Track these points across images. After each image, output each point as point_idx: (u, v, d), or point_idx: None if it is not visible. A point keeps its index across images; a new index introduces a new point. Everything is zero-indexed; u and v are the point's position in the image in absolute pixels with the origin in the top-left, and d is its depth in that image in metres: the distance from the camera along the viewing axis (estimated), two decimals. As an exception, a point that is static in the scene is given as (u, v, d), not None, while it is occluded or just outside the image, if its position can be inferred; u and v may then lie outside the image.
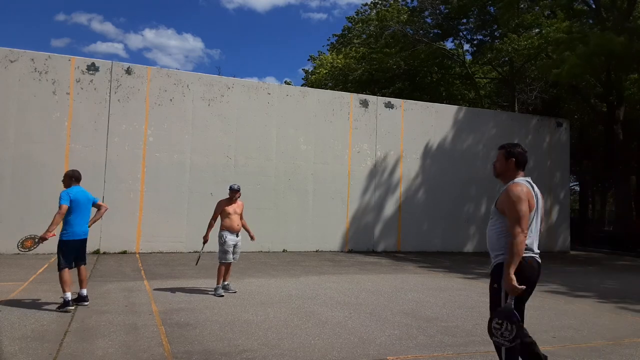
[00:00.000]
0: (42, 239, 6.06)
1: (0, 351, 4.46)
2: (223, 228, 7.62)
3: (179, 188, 13.63)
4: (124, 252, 12.83)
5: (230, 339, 5.14)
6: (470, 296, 8.17)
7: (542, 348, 5.24)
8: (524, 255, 3.41)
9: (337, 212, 15.39)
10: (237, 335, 5.26)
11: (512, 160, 3.62)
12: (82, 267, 6.43)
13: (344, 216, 15.50)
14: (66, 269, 6.17)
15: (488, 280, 3.70)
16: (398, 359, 4.68)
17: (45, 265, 10.07)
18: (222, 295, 7.41)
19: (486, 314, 6.84)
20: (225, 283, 7.73)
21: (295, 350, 4.84)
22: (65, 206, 6.09)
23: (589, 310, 7.50)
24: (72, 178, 6.36)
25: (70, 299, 6.09)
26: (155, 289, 7.81)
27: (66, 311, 5.99)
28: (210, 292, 7.65)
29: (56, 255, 6.27)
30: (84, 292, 6.38)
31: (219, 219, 7.71)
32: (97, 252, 12.57)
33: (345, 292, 8.12)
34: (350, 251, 15.35)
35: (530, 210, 3.48)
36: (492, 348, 5.17)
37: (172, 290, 7.79)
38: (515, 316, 3.28)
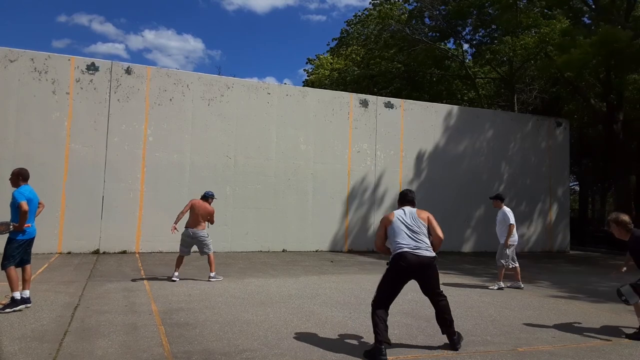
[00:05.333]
0: (18, 230, 6.00)
1: (0, 351, 4.45)
2: None
3: (178, 188, 13.62)
4: (124, 252, 12.82)
5: (230, 339, 5.14)
6: (469, 296, 8.17)
7: (542, 348, 5.26)
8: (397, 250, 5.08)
9: (337, 212, 15.39)
10: (237, 335, 5.27)
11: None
12: (28, 266, 6.32)
13: (344, 216, 15.50)
14: (13, 267, 6.07)
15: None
16: (398, 359, 4.69)
17: (45, 265, 10.08)
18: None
19: (486, 314, 6.86)
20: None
21: (295, 350, 4.84)
22: (25, 202, 5.99)
23: (589, 310, 7.51)
24: (19, 176, 6.25)
25: (19, 297, 6.03)
26: (155, 289, 7.81)
27: (18, 310, 5.93)
28: (208, 290, 7.66)
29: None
30: (27, 293, 6.19)
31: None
32: (96, 252, 12.58)
33: (345, 292, 8.12)
34: (350, 251, 15.35)
35: (387, 225, 5.25)
36: (492, 348, 5.19)
37: (172, 290, 7.79)
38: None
